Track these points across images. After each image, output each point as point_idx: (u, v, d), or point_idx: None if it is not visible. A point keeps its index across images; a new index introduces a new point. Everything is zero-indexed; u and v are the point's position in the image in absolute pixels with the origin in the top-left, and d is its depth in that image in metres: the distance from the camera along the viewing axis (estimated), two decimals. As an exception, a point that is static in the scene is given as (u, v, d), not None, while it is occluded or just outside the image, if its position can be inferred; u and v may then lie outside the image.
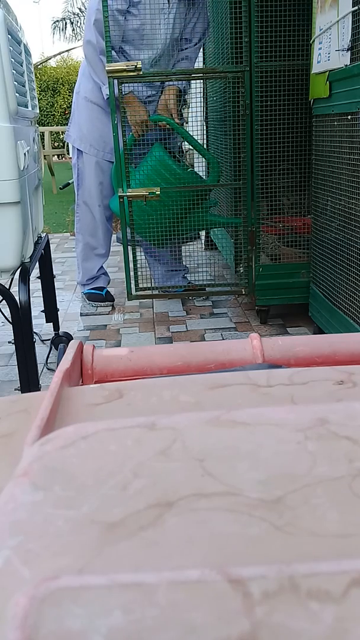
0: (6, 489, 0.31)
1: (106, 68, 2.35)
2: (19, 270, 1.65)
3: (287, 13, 2.26)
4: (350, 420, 0.36)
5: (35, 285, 2.51)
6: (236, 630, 0.22)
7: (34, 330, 1.80)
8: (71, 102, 3.06)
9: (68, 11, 16.36)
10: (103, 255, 2.97)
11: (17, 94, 1.54)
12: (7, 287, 1.65)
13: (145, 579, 0.24)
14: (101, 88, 2.64)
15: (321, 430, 0.35)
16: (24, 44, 1.82)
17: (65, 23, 16.32)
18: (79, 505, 0.29)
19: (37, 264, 2.09)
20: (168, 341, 2.47)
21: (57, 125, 11.75)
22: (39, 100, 6.61)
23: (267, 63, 2.32)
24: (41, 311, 2.44)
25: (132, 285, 2.72)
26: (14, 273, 1.65)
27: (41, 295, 2.36)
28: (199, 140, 2.83)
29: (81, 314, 2.87)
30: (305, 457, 0.32)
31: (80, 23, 15.46)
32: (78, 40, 15.38)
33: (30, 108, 1.83)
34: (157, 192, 2.46)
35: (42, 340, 2.44)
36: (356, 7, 1.68)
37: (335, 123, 1.94)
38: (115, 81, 2.39)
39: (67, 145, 7.66)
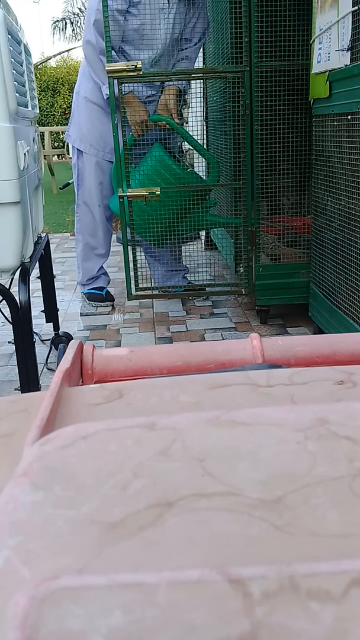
0: (6, 489, 0.31)
1: (106, 68, 2.35)
2: (19, 270, 1.65)
3: (287, 13, 2.26)
4: (350, 420, 0.36)
5: (35, 285, 2.51)
6: (236, 630, 0.22)
7: (34, 330, 1.80)
8: (71, 102, 3.06)
9: (68, 11, 16.37)
10: (103, 255, 2.97)
11: (17, 94, 1.54)
12: (7, 287, 1.65)
13: (145, 579, 0.24)
14: (101, 88, 2.64)
15: (321, 430, 0.35)
16: (24, 44, 1.82)
17: (65, 23, 16.33)
18: (79, 505, 0.29)
19: (37, 264, 2.09)
20: (168, 341, 2.47)
21: (57, 125, 11.75)
22: (39, 100, 6.61)
23: (267, 63, 2.32)
24: (41, 311, 2.44)
25: (132, 285, 2.72)
26: (14, 273, 1.65)
27: (41, 295, 2.36)
28: (198, 140, 2.83)
29: (81, 314, 2.87)
30: (305, 457, 0.32)
31: (80, 23, 15.47)
32: (78, 40, 15.38)
33: (30, 108, 1.83)
34: (157, 192, 2.46)
35: (42, 340, 2.44)
36: (356, 7, 1.68)
37: (335, 123, 1.94)
38: (115, 81, 2.39)
39: (67, 145, 7.66)
